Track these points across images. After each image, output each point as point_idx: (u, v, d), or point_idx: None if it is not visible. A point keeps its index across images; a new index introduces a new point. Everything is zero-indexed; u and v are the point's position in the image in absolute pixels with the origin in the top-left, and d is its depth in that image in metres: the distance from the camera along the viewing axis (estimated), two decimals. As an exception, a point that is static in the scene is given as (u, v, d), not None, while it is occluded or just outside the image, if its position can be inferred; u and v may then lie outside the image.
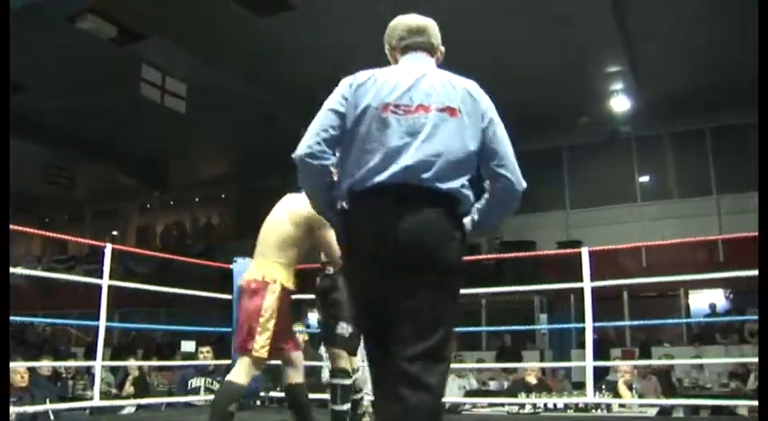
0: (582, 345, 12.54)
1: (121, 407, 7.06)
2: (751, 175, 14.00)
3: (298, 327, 7.32)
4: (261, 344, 3.67)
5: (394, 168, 2.17)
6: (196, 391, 6.92)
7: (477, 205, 2.38)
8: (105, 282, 5.53)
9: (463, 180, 2.25)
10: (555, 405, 6.22)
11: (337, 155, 2.33)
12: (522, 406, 6.24)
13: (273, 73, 11.77)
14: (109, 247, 5.63)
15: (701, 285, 13.52)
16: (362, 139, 2.24)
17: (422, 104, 2.23)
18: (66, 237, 7.63)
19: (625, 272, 11.95)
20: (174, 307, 15.79)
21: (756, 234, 5.97)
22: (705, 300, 13.78)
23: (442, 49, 2.55)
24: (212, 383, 6.95)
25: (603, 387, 6.52)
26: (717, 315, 13.15)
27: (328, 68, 11.43)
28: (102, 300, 5.49)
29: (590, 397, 5.38)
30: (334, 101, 2.33)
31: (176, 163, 17.93)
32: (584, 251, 5.47)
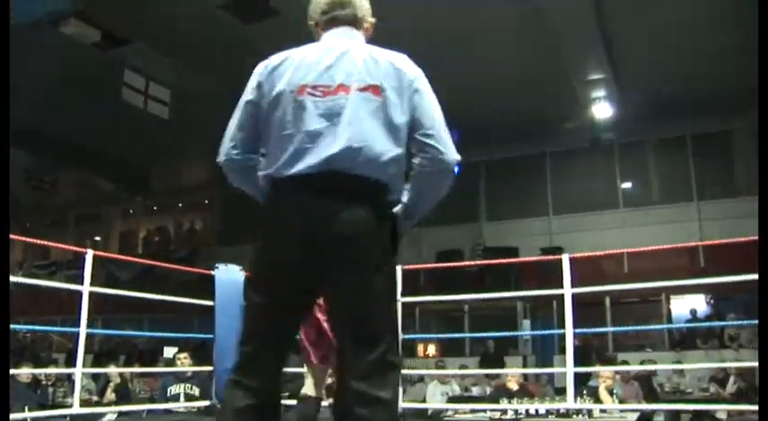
0: (564, 351, 12.66)
1: (102, 415, 7.02)
2: (731, 182, 14.22)
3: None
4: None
5: (315, 155, 2.02)
6: (176, 398, 6.86)
7: (407, 187, 2.20)
8: (86, 288, 5.49)
9: (392, 165, 2.08)
10: (537, 410, 6.24)
11: (261, 150, 2.21)
12: (504, 411, 6.26)
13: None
14: (90, 253, 5.59)
15: (682, 291, 13.62)
16: (279, 125, 2.09)
17: (342, 84, 2.08)
18: (47, 243, 7.56)
19: (607, 278, 12.01)
20: (157, 313, 15.69)
21: (736, 240, 6.05)
22: (686, 306, 13.88)
23: (372, 20, 2.36)
24: (191, 389, 6.90)
25: (584, 392, 6.53)
26: (698, 320, 13.25)
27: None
28: (82, 306, 5.44)
29: (570, 402, 5.41)
30: (248, 91, 2.20)
31: (159, 168, 17.85)
32: (565, 258, 5.51)
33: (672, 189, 14.92)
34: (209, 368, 6.71)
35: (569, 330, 5.39)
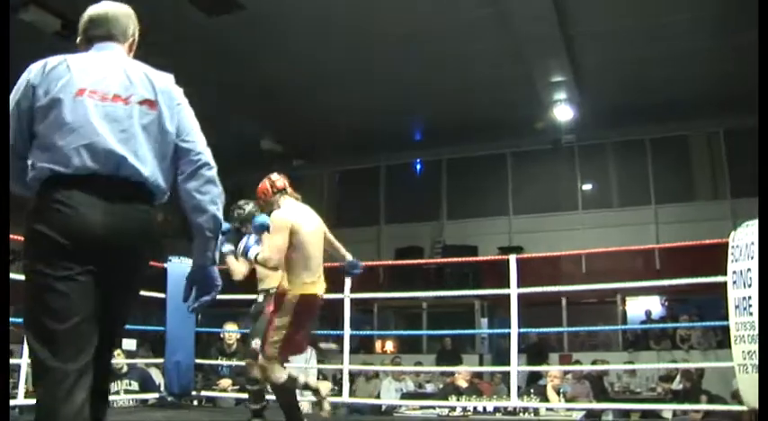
0: (521, 350, 12.80)
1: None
2: (689, 187, 14.40)
3: (232, 327, 7.31)
4: None
5: (95, 157, 2.12)
6: (116, 394, 6.66)
7: (191, 216, 2.28)
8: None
9: (163, 172, 2.26)
10: (484, 408, 6.33)
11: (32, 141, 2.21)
12: (453, 408, 6.34)
13: (219, 71, 11.72)
14: (39, 244, 5.56)
15: (637, 292, 13.84)
16: (57, 123, 2.14)
17: (119, 95, 2.22)
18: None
19: (565, 278, 12.18)
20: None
21: (691, 243, 6.17)
22: (641, 307, 14.10)
23: (136, 35, 2.49)
24: (130, 385, 6.77)
25: (532, 391, 6.64)
26: (652, 321, 13.47)
27: (274, 69, 11.48)
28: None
29: (514, 400, 5.50)
30: (19, 91, 2.20)
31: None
32: (512, 258, 5.60)
33: (631, 192, 15.12)
34: (159, 360, 6.72)
35: (514, 330, 5.48)
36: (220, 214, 2.30)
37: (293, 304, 4.07)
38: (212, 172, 2.30)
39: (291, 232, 4.07)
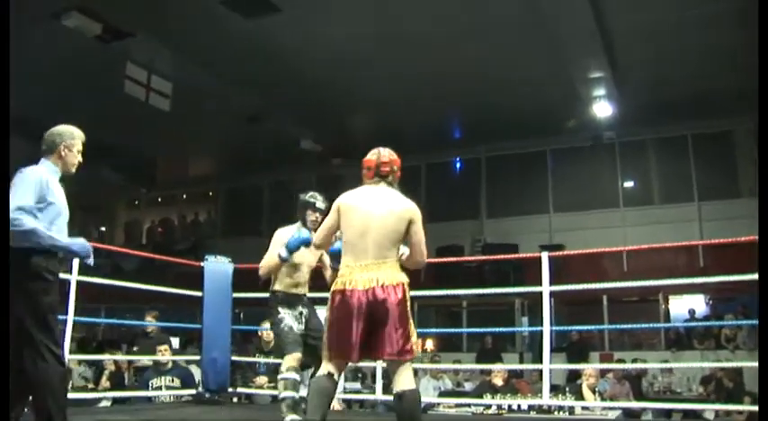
0: (560, 349, 12.70)
1: (98, 400, 7.13)
2: (734, 183, 14.07)
3: (265, 326, 7.39)
4: (416, 344, 3.53)
5: None
6: (158, 391, 6.92)
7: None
8: (74, 277, 5.65)
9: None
10: (519, 406, 6.32)
11: None
12: (489, 406, 6.34)
13: (258, 73, 11.85)
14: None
15: (681, 290, 13.61)
16: None
17: None
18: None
19: (607, 276, 12.03)
20: (158, 303, 15.70)
21: (736, 240, 6.06)
22: (685, 306, 13.88)
23: (62, 143, 3.66)
24: (173, 381, 6.95)
25: (567, 389, 6.60)
26: (696, 320, 13.24)
27: (312, 69, 11.58)
28: (70, 294, 5.59)
29: (546, 398, 5.47)
30: None
31: (164, 160, 17.98)
32: (544, 255, 5.57)
33: (673, 189, 14.88)
34: (195, 357, 6.84)
35: (546, 328, 5.45)
36: (34, 239, 3.42)
37: (330, 300, 3.59)
38: (14, 226, 3.35)
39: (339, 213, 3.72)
